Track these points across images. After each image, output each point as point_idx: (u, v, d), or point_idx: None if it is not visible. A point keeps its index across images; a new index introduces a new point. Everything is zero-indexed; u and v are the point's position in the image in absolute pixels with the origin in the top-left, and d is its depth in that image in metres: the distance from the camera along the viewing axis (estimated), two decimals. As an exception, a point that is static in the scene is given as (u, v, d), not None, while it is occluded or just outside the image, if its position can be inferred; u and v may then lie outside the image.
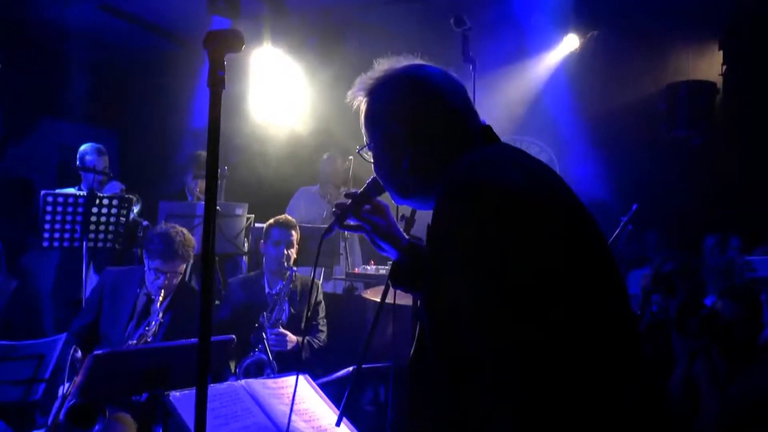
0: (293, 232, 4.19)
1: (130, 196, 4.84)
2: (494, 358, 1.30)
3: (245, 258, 5.53)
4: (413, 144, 1.60)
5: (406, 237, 1.96)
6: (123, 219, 4.62)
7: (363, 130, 1.72)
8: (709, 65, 6.60)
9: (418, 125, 1.59)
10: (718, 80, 6.48)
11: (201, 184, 5.56)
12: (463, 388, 1.37)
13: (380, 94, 1.66)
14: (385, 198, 1.89)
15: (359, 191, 1.90)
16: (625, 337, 1.42)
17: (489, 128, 1.66)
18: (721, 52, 6.51)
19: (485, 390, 1.32)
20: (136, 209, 4.98)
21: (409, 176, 1.62)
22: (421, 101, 1.61)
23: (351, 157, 6.05)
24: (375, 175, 1.76)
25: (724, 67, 6.48)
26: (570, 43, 6.52)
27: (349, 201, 1.90)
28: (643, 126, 6.52)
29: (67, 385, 2.98)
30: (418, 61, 1.69)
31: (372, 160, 1.72)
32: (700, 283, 4.11)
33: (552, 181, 1.48)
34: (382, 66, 1.69)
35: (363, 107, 1.70)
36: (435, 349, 1.44)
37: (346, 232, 5.44)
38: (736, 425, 3.36)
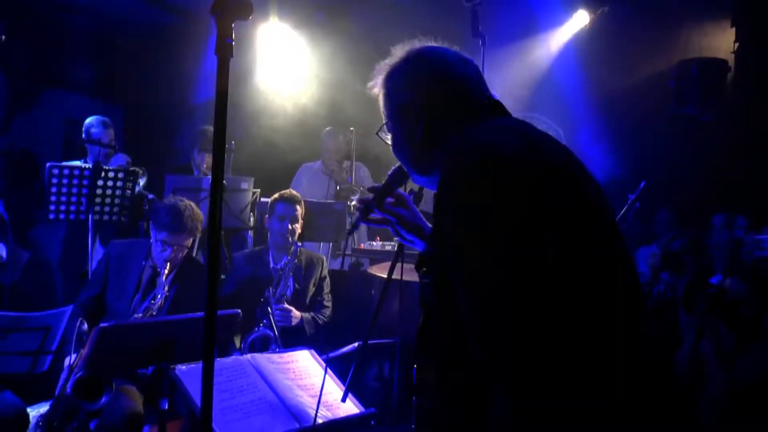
0: (298, 207, 4.18)
1: (136, 169, 4.83)
2: (488, 324, 1.33)
3: (251, 233, 5.52)
4: (425, 114, 1.66)
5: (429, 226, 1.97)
6: (128, 192, 4.61)
7: (382, 112, 1.78)
8: (721, 42, 6.51)
9: (429, 96, 1.66)
10: (730, 58, 6.39)
11: (207, 159, 5.53)
12: (464, 358, 1.40)
13: (395, 73, 1.74)
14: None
15: (381, 184, 1.93)
16: (627, 307, 1.43)
17: (499, 103, 1.70)
18: (734, 30, 6.42)
19: (484, 359, 1.34)
20: (142, 182, 4.96)
21: (422, 148, 1.68)
22: (431, 74, 1.68)
23: (352, 128, 6.01)
24: (394, 163, 1.82)
25: (737, 45, 6.39)
26: (580, 19, 6.45)
27: (372, 195, 1.93)
28: (653, 103, 6.45)
29: (73, 357, 2.99)
30: (430, 43, 1.76)
31: (389, 141, 1.79)
32: (708, 261, 4.09)
33: (556, 151, 1.52)
34: (397, 51, 1.77)
35: (381, 91, 1.77)
36: (440, 318, 1.49)
37: (352, 208, 5.43)
38: (742, 401, 3.37)
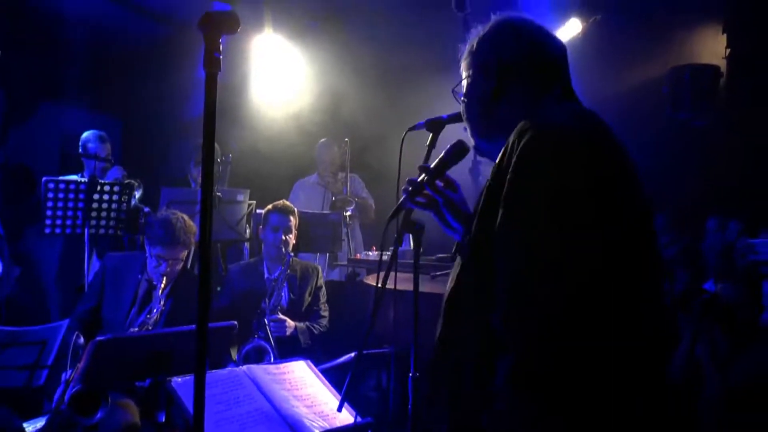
0: (291, 218, 4.20)
1: (132, 182, 4.84)
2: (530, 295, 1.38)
3: (247, 244, 5.53)
4: (503, 75, 1.71)
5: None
6: (124, 205, 4.62)
7: (463, 73, 1.83)
8: (713, 48, 6.54)
9: (507, 59, 1.71)
10: (722, 64, 6.43)
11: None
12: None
13: (484, 34, 1.78)
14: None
15: (432, 163, 1.88)
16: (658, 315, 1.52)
17: (573, 90, 1.77)
18: (725, 36, 6.45)
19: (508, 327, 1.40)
20: (138, 194, 4.98)
21: (492, 107, 1.73)
22: (514, 40, 1.73)
23: (347, 139, 6.03)
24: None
25: (728, 51, 6.42)
26: (572, 27, 6.47)
27: (422, 175, 1.87)
28: (647, 110, 6.48)
29: (69, 371, 2.98)
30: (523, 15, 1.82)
31: (463, 99, 1.81)
32: (702, 266, 4.10)
33: (623, 145, 1.61)
34: (477, 31, 1.81)
35: (468, 52, 1.81)
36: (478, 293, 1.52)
37: (347, 218, 5.45)
38: (739, 404, 3.38)
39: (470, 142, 1.86)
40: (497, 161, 1.55)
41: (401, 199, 1.90)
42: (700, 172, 6.09)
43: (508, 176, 1.46)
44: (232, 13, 1.42)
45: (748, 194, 5.70)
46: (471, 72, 1.78)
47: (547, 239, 1.39)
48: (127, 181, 4.80)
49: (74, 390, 2.79)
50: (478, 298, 1.50)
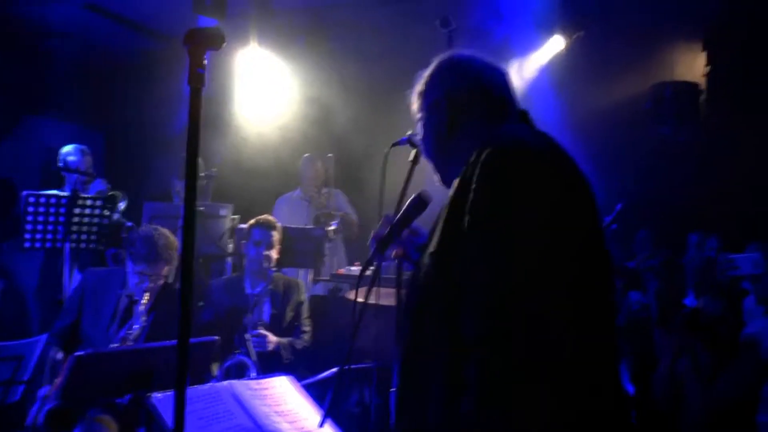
0: (274, 233, 4.18)
1: (115, 193, 4.81)
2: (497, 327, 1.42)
3: (230, 259, 5.50)
4: (451, 109, 1.79)
5: None
6: (106, 220, 4.58)
7: (415, 116, 1.91)
8: (693, 66, 6.64)
9: (455, 93, 1.80)
10: (702, 81, 6.52)
11: None
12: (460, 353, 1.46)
13: (430, 74, 1.87)
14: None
15: (397, 216, 1.93)
16: (610, 331, 1.57)
17: (526, 112, 1.84)
18: (705, 54, 6.55)
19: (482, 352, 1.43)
20: (122, 206, 4.93)
21: (449, 140, 1.80)
22: (459, 75, 1.82)
23: (330, 155, 6.03)
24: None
25: (708, 68, 6.52)
26: (555, 44, 6.54)
27: (387, 229, 1.92)
28: (629, 126, 6.55)
29: (47, 387, 2.95)
30: (464, 51, 1.91)
31: (420, 139, 1.90)
32: (682, 281, 4.14)
33: (575, 163, 1.65)
34: (435, 60, 1.90)
35: (418, 95, 1.89)
36: (438, 314, 1.55)
37: (331, 233, 5.43)
38: (721, 418, 3.39)
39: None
40: (460, 175, 1.60)
41: (370, 253, 1.96)
42: (682, 187, 6.16)
43: (473, 186, 1.52)
44: (217, 29, 1.43)
45: (729, 209, 5.76)
46: (423, 113, 1.86)
47: (514, 247, 1.45)
48: (111, 193, 4.76)
49: (50, 407, 2.76)
50: (445, 307, 1.53)
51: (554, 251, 1.46)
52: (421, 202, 1.89)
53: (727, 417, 3.42)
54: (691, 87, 6.45)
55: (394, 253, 1.94)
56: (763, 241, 4.27)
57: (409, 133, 2.13)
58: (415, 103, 1.90)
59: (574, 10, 6.20)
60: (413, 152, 2.10)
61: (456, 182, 1.61)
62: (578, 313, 1.46)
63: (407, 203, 1.91)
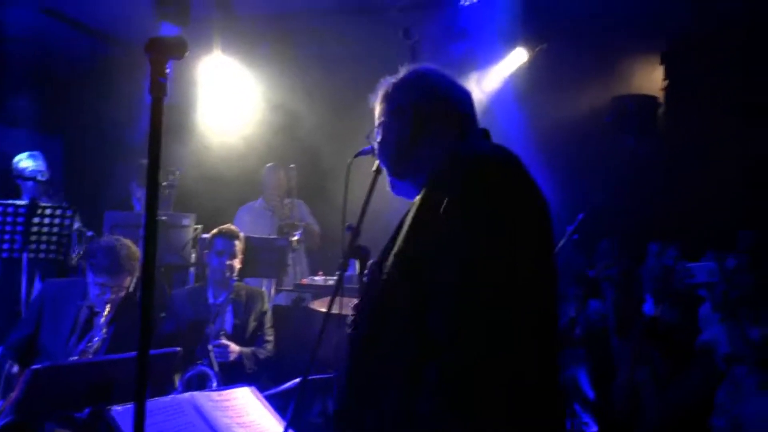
0: (237, 242, 4.16)
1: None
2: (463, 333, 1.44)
3: (193, 270, 5.44)
4: (414, 118, 1.81)
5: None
6: (66, 230, 4.48)
7: (376, 119, 1.93)
8: (652, 79, 6.78)
9: (419, 104, 1.82)
10: (661, 94, 6.66)
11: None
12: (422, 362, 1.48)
13: (396, 84, 1.89)
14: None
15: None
16: (554, 340, 1.62)
17: (486, 131, 1.88)
18: (663, 67, 6.70)
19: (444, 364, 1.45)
20: (76, 226, 4.83)
21: (406, 148, 1.82)
22: (425, 87, 1.85)
23: (292, 165, 6.02)
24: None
25: (666, 82, 6.67)
26: (518, 56, 6.62)
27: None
28: (590, 138, 6.66)
29: (1, 401, 2.87)
30: (432, 66, 1.94)
31: (378, 141, 1.91)
32: (639, 290, 4.21)
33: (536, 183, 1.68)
34: (402, 70, 1.93)
35: (380, 99, 1.91)
36: (401, 319, 1.57)
37: (294, 243, 5.42)
38: (676, 425, 3.46)
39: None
40: (429, 182, 1.64)
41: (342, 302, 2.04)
42: (643, 199, 6.27)
43: (445, 193, 1.54)
44: (179, 38, 1.42)
45: (689, 219, 5.89)
46: (385, 117, 1.88)
47: (486, 253, 1.48)
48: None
49: (4, 422, 2.69)
50: (409, 308, 1.55)
51: (520, 260, 1.50)
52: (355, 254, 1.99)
53: (683, 422, 3.50)
54: (651, 100, 6.58)
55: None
56: (718, 251, 4.38)
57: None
58: (377, 107, 1.92)
59: (536, 24, 6.29)
60: (377, 162, 2.11)
61: (425, 190, 1.64)
62: (538, 322, 1.51)
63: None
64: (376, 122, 1.92)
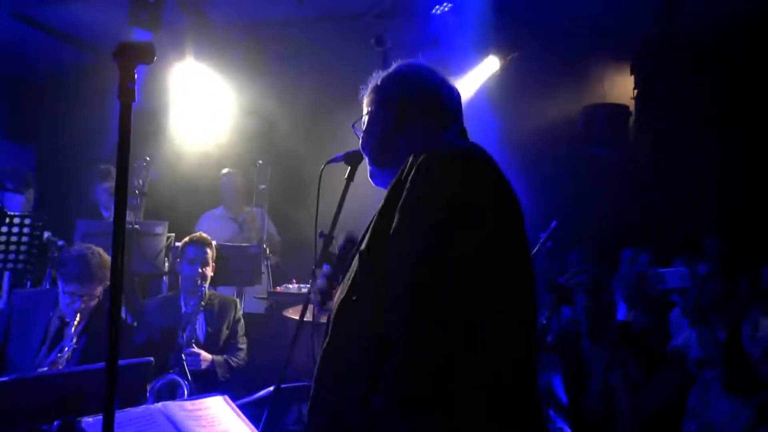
0: (208, 250, 4.15)
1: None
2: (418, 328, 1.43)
3: (166, 278, 5.39)
4: (400, 108, 1.85)
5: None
6: (36, 240, 4.39)
7: (364, 109, 1.96)
8: (623, 89, 6.87)
9: (413, 97, 1.85)
10: (631, 103, 6.76)
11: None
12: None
13: (390, 73, 1.92)
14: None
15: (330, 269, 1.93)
16: (529, 341, 1.59)
17: (464, 130, 1.91)
18: (633, 77, 6.80)
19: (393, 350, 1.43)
20: (46, 236, 4.75)
21: (393, 137, 1.85)
22: (415, 80, 1.88)
23: (260, 161, 5.97)
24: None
25: (636, 91, 6.77)
26: (491, 64, 6.67)
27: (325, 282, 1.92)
28: (562, 146, 6.72)
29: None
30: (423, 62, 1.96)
31: (364, 130, 1.94)
32: (609, 295, 4.26)
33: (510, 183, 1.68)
34: (381, 74, 1.95)
35: (370, 91, 1.94)
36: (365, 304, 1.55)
37: (268, 252, 5.40)
38: (649, 429, 3.50)
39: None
40: (396, 176, 1.64)
41: (315, 310, 1.97)
42: (614, 206, 6.35)
43: (406, 186, 1.55)
44: (147, 43, 1.41)
45: (659, 226, 5.97)
46: (373, 107, 1.92)
47: (438, 248, 1.46)
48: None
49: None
50: (370, 304, 1.54)
51: (483, 255, 1.48)
52: (349, 243, 1.89)
53: (657, 426, 3.53)
54: (621, 109, 6.68)
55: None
56: (689, 256, 4.44)
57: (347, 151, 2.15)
58: (366, 96, 1.95)
59: (508, 32, 6.34)
60: (348, 170, 2.12)
61: (392, 182, 1.64)
62: (500, 319, 1.49)
63: (340, 247, 1.93)
64: (364, 112, 1.95)
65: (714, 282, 3.96)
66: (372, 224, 1.65)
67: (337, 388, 1.57)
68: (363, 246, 1.64)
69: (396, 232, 1.52)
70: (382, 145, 1.88)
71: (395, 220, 1.53)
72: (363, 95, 1.97)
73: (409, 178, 1.56)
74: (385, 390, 1.42)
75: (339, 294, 1.69)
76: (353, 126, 2.00)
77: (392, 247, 1.51)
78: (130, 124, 1.38)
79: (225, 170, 6.26)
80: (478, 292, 1.46)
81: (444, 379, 1.41)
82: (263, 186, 6.05)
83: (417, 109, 1.84)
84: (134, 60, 1.40)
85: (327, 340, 1.65)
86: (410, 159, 1.61)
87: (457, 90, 1.93)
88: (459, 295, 1.44)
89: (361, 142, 1.96)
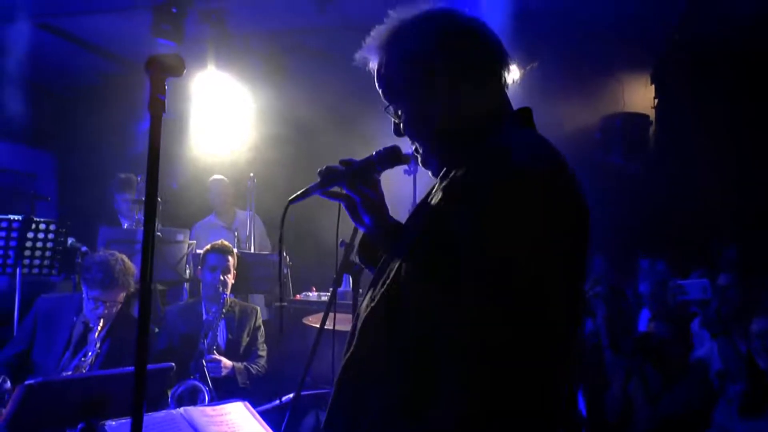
0: (230, 258, 4.18)
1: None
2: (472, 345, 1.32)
3: (187, 285, 5.44)
4: (457, 75, 1.51)
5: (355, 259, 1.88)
6: (60, 246, 4.47)
7: (381, 87, 1.60)
8: (642, 97, 6.85)
9: (460, 57, 1.50)
10: (651, 113, 6.73)
11: (133, 206, 5.44)
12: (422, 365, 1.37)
13: (410, 33, 1.54)
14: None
15: (361, 160, 1.58)
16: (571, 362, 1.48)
17: (530, 111, 1.64)
18: (653, 86, 6.77)
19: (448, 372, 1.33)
20: (69, 242, 4.82)
21: (447, 111, 1.52)
22: (462, 34, 1.53)
23: (252, 174, 5.96)
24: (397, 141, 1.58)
25: (656, 101, 6.74)
26: (509, 74, 6.65)
27: (344, 168, 1.57)
28: (580, 155, 6.67)
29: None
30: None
31: (397, 118, 1.60)
32: (629, 305, 4.25)
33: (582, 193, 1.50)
34: (399, 15, 1.56)
35: (382, 59, 1.57)
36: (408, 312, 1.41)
37: (288, 259, 5.41)
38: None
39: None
40: (450, 175, 1.47)
41: (312, 184, 1.61)
42: (632, 216, 6.32)
43: (472, 197, 1.37)
44: (177, 56, 1.44)
45: (677, 235, 5.94)
46: (412, 80, 1.54)
47: (522, 266, 1.31)
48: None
49: (-2, 437, 2.68)
50: (410, 316, 1.41)
51: (563, 273, 1.37)
52: (395, 155, 1.58)
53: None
54: (640, 118, 6.65)
55: (335, 192, 1.59)
56: (708, 266, 4.42)
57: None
58: (384, 55, 1.57)
59: (527, 42, 6.34)
60: None
61: (447, 185, 1.47)
62: (568, 343, 1.40)
63: (379, 150, 1.58)
64: (383, 75, 1.59)
65: (734, 292, 3.94)
66: (415, 229, 1.49)
67: (361, 398, 1.46)
68: (412, 249, 1.44)
69: (464, 249, 1.33)
70: (435, 122, 1.54)
71: (464, 233, 1.34)
72: (368, 56, 1.62)
73: (481, 186, 1.37)
74: (447, 406, 1.33)
75: (368, 302, 1.53)
76: (385, 109, 1.63)
77: (462, 261, 1.32)
78: (159, 135, 1.40)
79: (214, 177, 6.24)
80: (556, 312, 1.35)
81: (513, 398, 1.33)
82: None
83: (470, 66, 1.51)
84: (164, 72, 1.41)
85: (352, 349, 1.51)
86: (479, 157, 1.41)
87: (496, 34, 1.58)
88: (541, 313, 1.32)
89: (409, 123, 1.59)
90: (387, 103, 1.61)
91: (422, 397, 1.36)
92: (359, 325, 1.52)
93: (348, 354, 1.52)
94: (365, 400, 1.45)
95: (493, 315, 1.30)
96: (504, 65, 1.58)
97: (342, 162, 1.58)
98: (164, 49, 5.89)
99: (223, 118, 6.58)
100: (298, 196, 1.61)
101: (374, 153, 1.58)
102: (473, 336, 1.32)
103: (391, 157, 1.58)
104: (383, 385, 1.42)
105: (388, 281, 1.48)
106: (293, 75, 6.82)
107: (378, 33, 1.58)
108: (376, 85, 1.62)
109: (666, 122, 6.69)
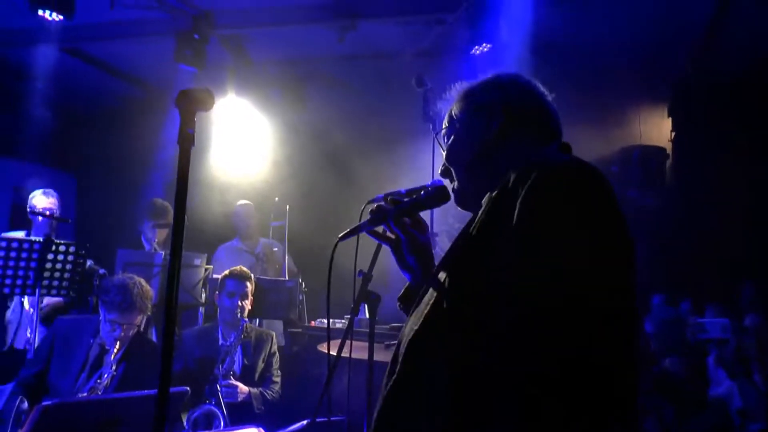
0: (248, 284, 4.20)
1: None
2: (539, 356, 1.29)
3: (202, 309, 5.47)
4: (503, 115, 1.64)
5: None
6: (80, 268, 4.50)
7: (448, 119, 1.74)
8: (660, 130, 6.86)
9: (517, 106, 1.65)
10: (668, 146, 6.74)
11: (160, 234, 5.48)
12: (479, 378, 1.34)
13: (487, 80, 1.72)
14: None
15: (408, 199, 1.69)
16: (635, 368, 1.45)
17: (569, 145, 1.71)
18: (670, 119, 6.79)
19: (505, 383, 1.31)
20: (88, 264, 4.85)
21: (495, 150, 1.63)
22: (523, 90, 1.68)
23: (276, 198, 6.02)
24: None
25: (673, 134, 6.75)
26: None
27: (394, 207, 1.67)
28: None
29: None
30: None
31: (452, 141, 1.71)
32: (647, 341, 4.22)
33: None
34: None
35: (458, 98, 1.73)
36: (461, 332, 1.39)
37: (303, 285, 5.42)
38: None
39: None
40: (494, 194, 1.49)
41: (362, 222, 1.69)
42: (648, 249, 6.28)
43: (519, 207, 1.37)
44: (208, 90, 1.47)
45: (693, 270, 5.90)
46: (465, 115, 1.69)
47: (581, 278, 1.31)
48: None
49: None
50: (460, 337, 1.39)
51: (621, 284, 1.39)
52: (444, 194, 1.67)
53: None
54: (658, 151, 6.66)
55: (382, 233, 1.67)
56: (726, 306, 4.39)
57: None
58: (457, 103, 1.73)
59: (545, 73, 6.37)
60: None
61: (489, 203, 1.49)
62: (632, 355, 1.39)
63: (427, 188, 1.68)
64: (446, 123, 1.74)
65: (757, 333, 3.91)
66: (460, 248, 1.49)
67: (409, 424, 1.43)
68: (449, 272, 1.44)
69: (521, 258, 1.33)
70: (479, 159, 1.65)
71: (516, 246, 1.34)
72: (441, 106, 1.77)
73: (522, 196, 1.38)
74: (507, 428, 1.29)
75: (411, 326, 1.51)
76: (436, 135, 1.77)
77: (516, 276, 1.32)
78: (188, 167, 1.44)
79: (241, 201, 6.29)
80: (614, 335, 1.34)
81: (578, 418, 1.29)
82: (278, 222, 6.05)
83: (521, 118, 1.64)
84: (194, 106, 1.46)
85: (395, 377, 1.47)
86: (512, 175, 1.44)
87: (551, 103, 1.73)
88: (599, 331, 1.32)
89: (448, 156, 1.71)
90: (443, 129, 1.75)
91: (476, 424, 1.34)
92: (403, 350, 1.50)
93: (391, 383, 1.49)
94: (414, 427, 1.43)
95: (566, 350, 1.29)
96: (554, 121, 1.69)
97: (390, 200, 1.69)
98: (185, 75, 5.99)
99: (242, 144, 6.65)
100: (347, 233, 1.70)
101: (422, 192, 1.69)
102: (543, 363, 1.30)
103: (439, 197, 1.68)
104: (434, 411, 1.39)
105: (431, 302, 1.48)
106: (312, 102, 6.90)
107: (457, 88, 1.76)
108: (444, 123, 1.76)
109: (683, 155, 6.69)
